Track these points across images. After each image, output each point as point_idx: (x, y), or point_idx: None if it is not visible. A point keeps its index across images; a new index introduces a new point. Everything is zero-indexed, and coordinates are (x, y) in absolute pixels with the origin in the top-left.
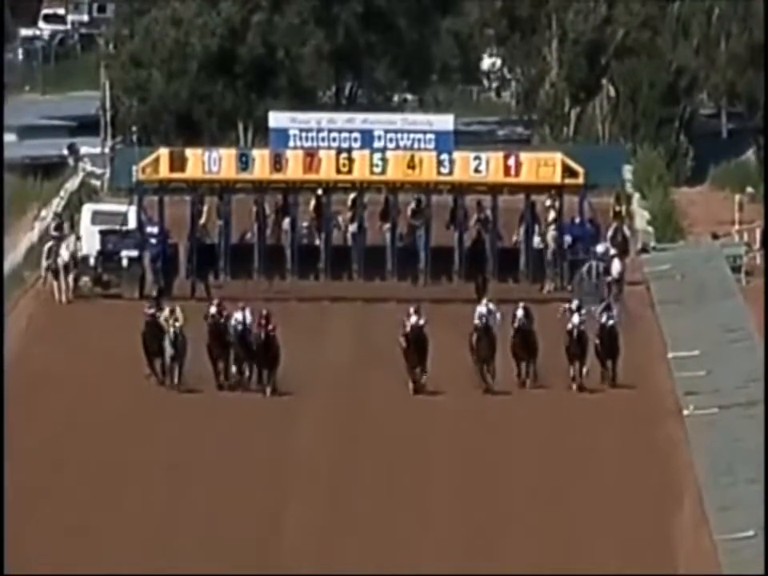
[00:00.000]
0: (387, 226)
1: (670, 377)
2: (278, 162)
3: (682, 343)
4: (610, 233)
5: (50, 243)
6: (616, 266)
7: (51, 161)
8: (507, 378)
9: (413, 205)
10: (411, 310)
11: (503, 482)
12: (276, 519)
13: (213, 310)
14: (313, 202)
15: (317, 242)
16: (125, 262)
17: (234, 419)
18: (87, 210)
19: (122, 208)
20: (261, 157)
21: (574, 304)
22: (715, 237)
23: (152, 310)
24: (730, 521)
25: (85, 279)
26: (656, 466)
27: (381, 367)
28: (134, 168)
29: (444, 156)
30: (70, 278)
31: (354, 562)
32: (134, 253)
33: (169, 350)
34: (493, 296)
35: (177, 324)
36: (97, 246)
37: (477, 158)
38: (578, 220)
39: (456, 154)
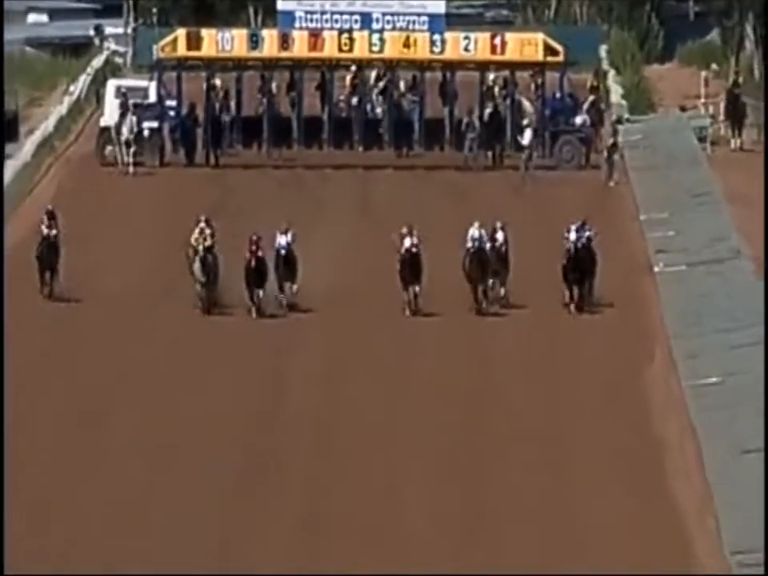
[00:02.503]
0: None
1: (642, 237)
2: (285, 42)
3: (652, 206)
4: (586, 105)
5: (116, 120)
6: (529, 134)
7: (79, 40)
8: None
9: (385, 80)
10: (404, 230)
11: (498, 358)
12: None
13: (202, 224)
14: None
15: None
16: (146, 133)
17: (236, 335)
18: (111, 84)
19: (143, 83)
20: (270, 37)
21: (574, 225)
22: (683, 109)
23: (48, 228)
24: (697, 368)
25: (109, 148)
26: (630, 318)
27: (377, 250)
28: (154, 47)
29: (436, 36)
30: (131, 152)
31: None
32: (155, 124)
33: (198, 275)
34: (482, 164)
35: (206, 244)
36: (116, 118)
37: (466, 38)
38: (558, 95)
39: (447, 35)
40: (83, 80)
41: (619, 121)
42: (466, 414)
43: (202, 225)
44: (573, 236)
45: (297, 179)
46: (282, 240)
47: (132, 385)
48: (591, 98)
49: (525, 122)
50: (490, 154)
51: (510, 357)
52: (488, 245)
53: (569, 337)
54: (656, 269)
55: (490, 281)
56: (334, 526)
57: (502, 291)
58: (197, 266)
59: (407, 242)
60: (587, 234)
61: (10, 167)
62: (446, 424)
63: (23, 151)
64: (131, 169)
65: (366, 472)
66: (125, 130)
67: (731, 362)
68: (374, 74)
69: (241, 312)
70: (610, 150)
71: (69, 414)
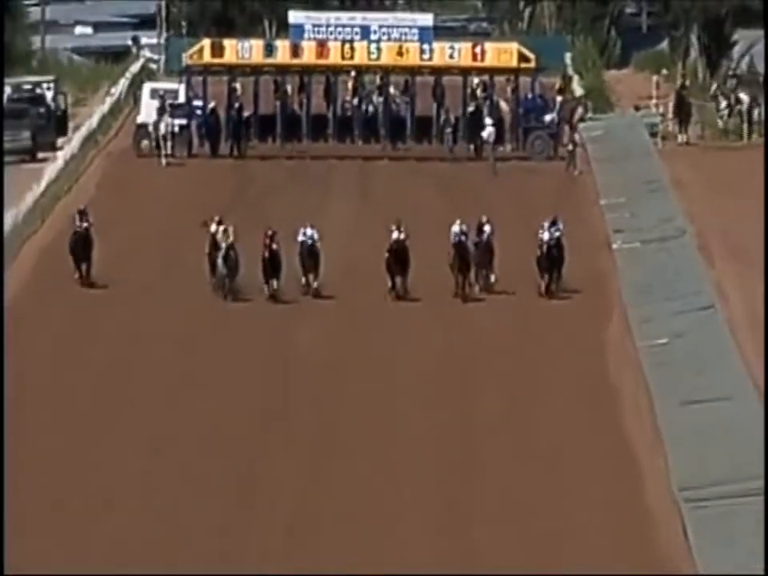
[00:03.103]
0: (381, 99)
1: (602, 219)
2: (296, 50)
3: (611, 192)
4: (558, 105)
5: (154, 119)
6: (489, 129)
7: (119, 49)
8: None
9: (377, 81)
10: (393, 226)
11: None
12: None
13: (213, 227)
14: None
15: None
16: (176, 129)
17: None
18: (146, 87)
19: (174, 86)
20: (283, 46)
21: (547, 222)
22: (637, 108)
23: (80, 224)
24: (649, 331)
25: (145, 142)
26: (591, 289)
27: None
28: (184, 55)
29: (426, 46)
30: (168, 147)
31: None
32: (184, 121)
33: (221, 268)
34: (464, 154)
35: (228, 241)
36: (154, 116)
37: (451, 47)
38: (530, 96)
39: (435, 44)
40: (122, 83)
41: (582, 119)
42: (452, 374)
43: (215, 226)
44: (546, 234)
45: (305, 168)
46: (308, 234)
47: (136, 378)
48: (560, 98)
49: (487, 120)
50: (471, 146)
51: (487, 330)
52: (476, 238)
53: (539, 308)
54: (614, 246)
55: (472, 272)
56: (332, 525)
57: (492, 278)
58: (220, 261)
59: (395, 236)
60: (558, 231)
61: (60, 157)
62: (434, 394)
63: (71, 145)
64: (166, 160)
65: (362, 464)
66: (162, 127)
67: (678, 325)
68: (378, 78)
69: (257, 298)
70: (573, 144)
71: (76, 408)
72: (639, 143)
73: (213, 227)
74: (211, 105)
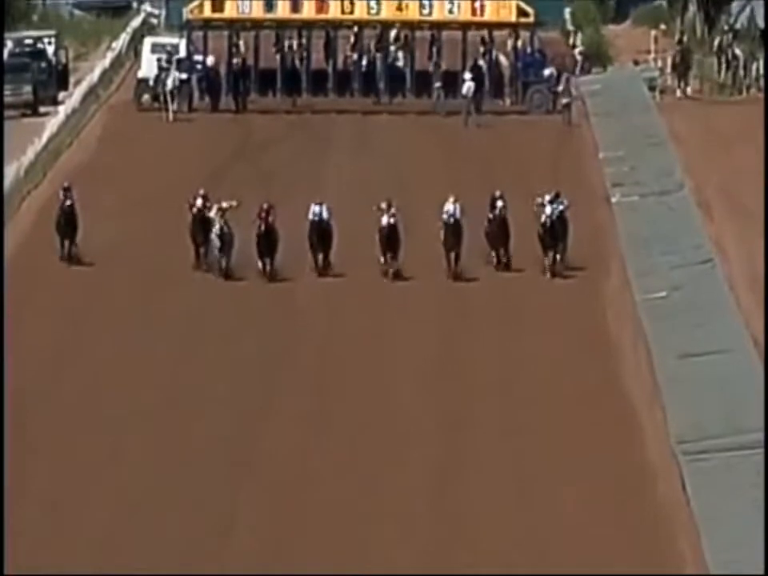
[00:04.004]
0: (380, 54)
1: (601, 172)
2: (296, 5)
3: (610, 146)
4: (580, 60)
5: (155, 73)
6: (468, 84)
7: (120, 4)
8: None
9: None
10: (384, 205)
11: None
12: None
13: (198, 202)
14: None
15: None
16: (177, 83)
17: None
18: (147, 42)
19: (175, 41)
20: (283, 1)
21: (547, 198)
22: (636, 63)
23: (63, 201)
24: (647, 284)
25: (146, 96)
26: (590, 242)
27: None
28: (184, 10)
29: (425, 1)
30: (174, 103)
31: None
32: (184, 76)
33: (216, 243)
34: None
35: (223, 218)
36: (155, 71)
37: (450, 2)
38: (529, 50)
39: None
40: (123, 38)
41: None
42: (448, 341)
43: (200, 201)
44: (548, 209)
45: (305, 122)
46: (317, 210)
47: (133, 373)
48: (577, 51)
49: (466, 75)
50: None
51: (484, 290)
52: (489, 215)
53: (538, 263)
54: (613, 199)
55: (504, 250)
56: (328, 521)
57: (505, 259)
58: (214, 237)
59: (385, 218)
60: (561, 206)
61: (61, 111)
62: (431, 368)
63: (72, 99)
64: (172, 116)
65: (360, 459)
66: (169, 82)
67: (676, 279)
68: (393, 33)
69: (251, 276)
70: (570, 97)
71: (75, 406)
72: (638, 97)
73: (198, 202)
74: (211, 60)
